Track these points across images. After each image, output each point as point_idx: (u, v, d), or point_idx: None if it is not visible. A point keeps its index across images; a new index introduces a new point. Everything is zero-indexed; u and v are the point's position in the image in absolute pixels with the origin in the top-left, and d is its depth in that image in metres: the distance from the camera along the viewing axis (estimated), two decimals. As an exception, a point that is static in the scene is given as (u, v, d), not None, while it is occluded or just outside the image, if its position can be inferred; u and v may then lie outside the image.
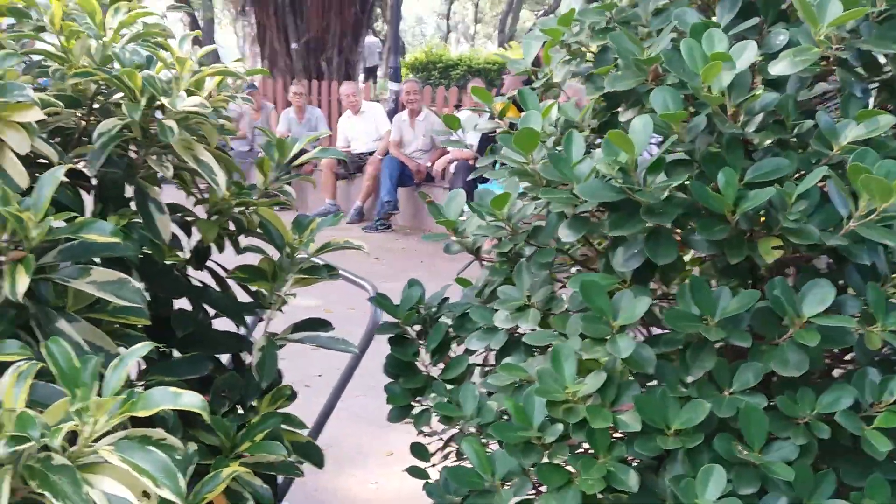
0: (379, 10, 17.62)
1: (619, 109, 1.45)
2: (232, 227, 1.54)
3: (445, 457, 1.66)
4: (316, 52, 11.15)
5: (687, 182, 1.15)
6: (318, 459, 1.46)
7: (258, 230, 1.54)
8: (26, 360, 0.95)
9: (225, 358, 1.54)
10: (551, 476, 1.16)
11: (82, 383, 0.87)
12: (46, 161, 1.15)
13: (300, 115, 8.79)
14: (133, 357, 0.88)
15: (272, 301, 1.50)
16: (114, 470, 0.84)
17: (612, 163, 1.16)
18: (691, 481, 1.11)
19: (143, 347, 0.90)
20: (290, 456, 1.29)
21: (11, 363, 0.95)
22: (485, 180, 6.68)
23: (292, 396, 1.46)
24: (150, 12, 1.29)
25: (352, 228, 7.69)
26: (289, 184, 1.60)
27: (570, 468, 1.21)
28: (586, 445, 1.21)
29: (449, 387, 1.55)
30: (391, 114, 8.65)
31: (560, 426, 1.18)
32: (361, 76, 14.78)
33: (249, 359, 1.46)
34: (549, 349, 1.38)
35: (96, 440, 0.86)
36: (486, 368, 1.64)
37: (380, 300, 1.64)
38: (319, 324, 1.56)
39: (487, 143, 1.57)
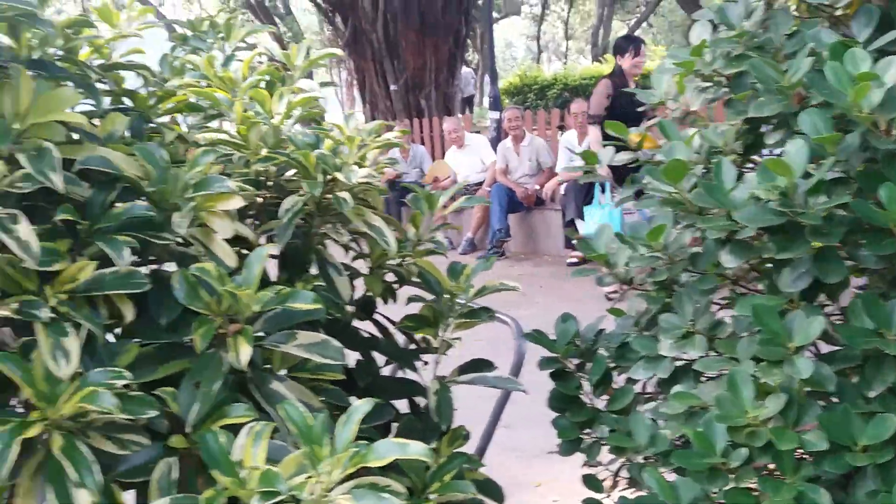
0: (469, 41, 17.87)
1: (763, 131, 1.47)
2: (392, 278, 1.64)
3: (614, 486, 1.69)
4: (414, 90, 11.45)
5: (848, 201, 1.16)
6: (498, 496, 1.52)
7: (416, 279, 1.64)
8: (254, 420, 1.07)
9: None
10: (740, 500, 1.18)
11: (317, 438, 0.97)
12: (243, 238, 1.27)
13: (405, 154, 9.01)
14: (359, 413, 0.98)
15: (438, 346, 1.59)
16: (352, 516, 0.94)
17: (771, 188, 1.19)
18: (887, 496, 1.12)
19: (366, 404, 0.99)
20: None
21: (241, 424, 1.07)
22: (589, 201, 6.69)
23: (467, 436, 1.54)
24: (312, 97, 1.41)
25: (466, 259, 7.80)
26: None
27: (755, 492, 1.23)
28: (771, 467, 1.22)
29: (616, 417, 1.59)
30: (494, 142, 8.77)
31: (744, 450, 1.21)
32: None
33: (422, 402, 1.56)
34: (722, 375, 1.41)
35: (329, 490, 0.96)
36: (646, 396, 1.67)
37: (536, 336, 1.70)
38: (484, 364, 1.63)
39: (626, 171, 1.61)
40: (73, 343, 1.02)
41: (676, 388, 1.49)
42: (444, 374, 1.61)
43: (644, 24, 25.76)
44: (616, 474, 1.66)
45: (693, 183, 1.41)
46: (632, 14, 27.57)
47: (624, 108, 5.30)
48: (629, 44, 6.65)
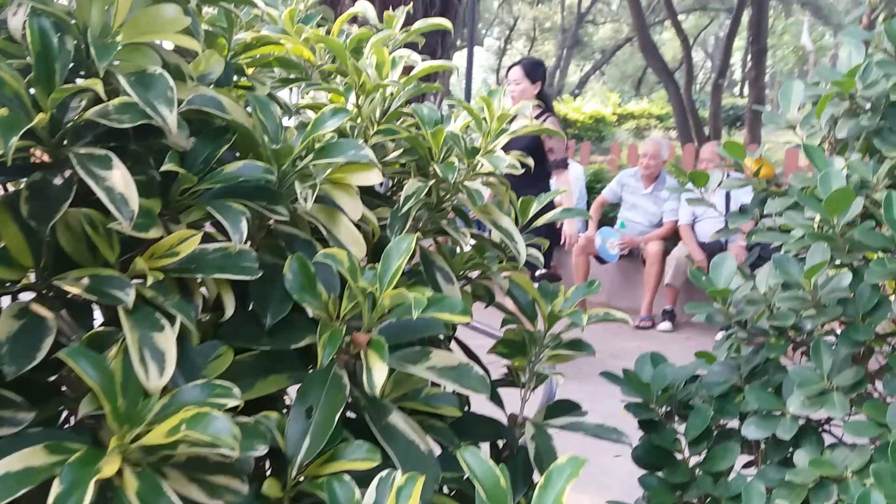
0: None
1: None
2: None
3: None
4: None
5: None
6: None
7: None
8: (379, 466, 0.81)
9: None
10: None
11: (502, 494, 0.72)
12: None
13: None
14: (563, 479, 0.73)
15: (528, 378, 1.35)
16: None
17: None
18: None
19: (570, 466, 0.74)
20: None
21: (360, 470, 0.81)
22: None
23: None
24: (441, 64, 1.17)
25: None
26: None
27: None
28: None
29: (715, 480, 1.38)
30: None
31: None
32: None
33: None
34: (867, 443, 1.22)
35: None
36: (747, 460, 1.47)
37: (628, 378, 1.48)
38: (571, 406, 1.40)
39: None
40: (168, 341, 0.75)
41: (803, 453, 1.29)
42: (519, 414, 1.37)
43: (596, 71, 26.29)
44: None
45: (849, 218, 1.23)
46: (587, 59, 28.07)
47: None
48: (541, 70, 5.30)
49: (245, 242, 0.86)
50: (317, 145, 0.92)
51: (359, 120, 1.10)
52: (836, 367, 1.26)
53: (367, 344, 0.86)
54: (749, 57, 18.70)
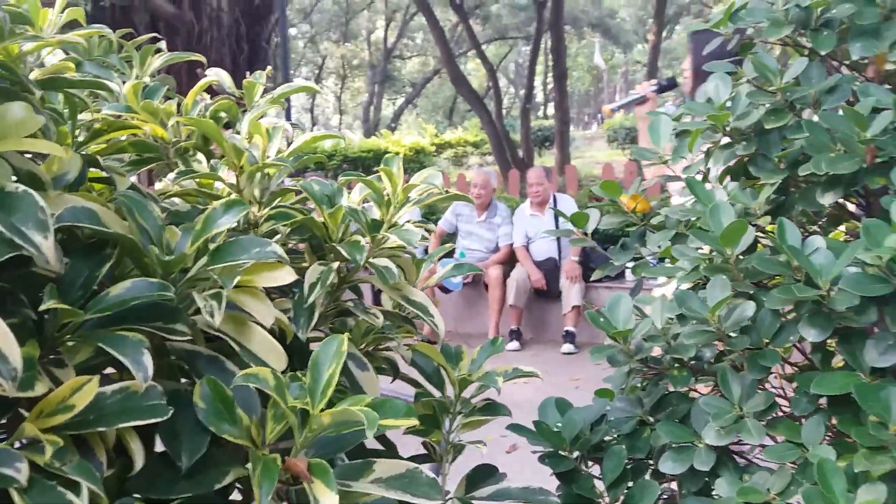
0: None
1: (793, 191, 1.37)
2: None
3: None
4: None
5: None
6: None
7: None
8: None
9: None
10: None
11: None
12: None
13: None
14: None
15: (445, 451, 1.27)
16: None
17: (886, 250, 1.05)
18: None
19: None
20: None
21: None
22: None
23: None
24: (333, 134, 1.08)
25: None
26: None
27: None
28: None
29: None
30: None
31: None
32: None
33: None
34: (788, 464, 1.24)
35: None
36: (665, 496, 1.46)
37: (538, 430, 1.43)
38: (490, 472, 1.33)
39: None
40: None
41: (724, 482, 1.30)
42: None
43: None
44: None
45: (743, 248, 1.25)
46: (399, 93, 28.58)
47: None
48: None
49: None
50: (211, 246, 0.80)
51: (243, 206, 0.98)
52: (745, 394, 1.28)
53: (308, 469, 0.75)
54: (550, 80, 19.77)
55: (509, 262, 6.50)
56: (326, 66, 26.93)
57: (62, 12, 1.05)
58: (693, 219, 1.40)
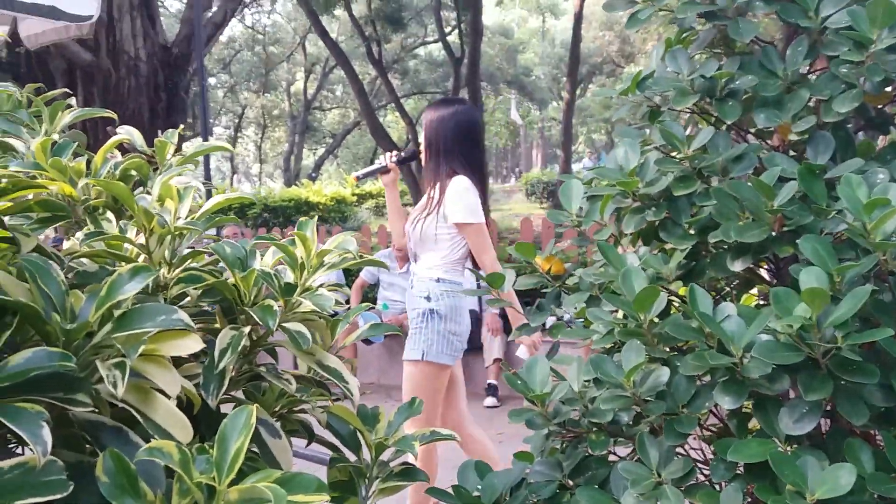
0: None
1: (704, 256, 1.41)
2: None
3: None
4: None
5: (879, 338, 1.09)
6: None
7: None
8: None
9: None
10: None
11: None
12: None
13: None
14: None
15: (361, 521, 1.23)
16: None
17: (797, 319, 1.09)
18: None
19: None
20: None
21: None
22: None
23: None
24: (245, 197, 1.06)
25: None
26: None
27: None
28: None
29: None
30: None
31: None
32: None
33: None
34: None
35: None
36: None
37: (458, 494, 1.41)
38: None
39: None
40: None
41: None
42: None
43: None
44: None
45: (655, 311, 1.28)
46: (320, 143, 28.57)
47: None
48: None
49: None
50: (116, 312, 0.77)
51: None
52: (663, 459, 1.29)
53: (214, 550, 0.71)
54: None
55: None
56: (246, 116, 26.78)
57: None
58: (606, 282, 1.43)
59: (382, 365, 6.70)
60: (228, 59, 23.73)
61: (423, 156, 3.17)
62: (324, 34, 14.26)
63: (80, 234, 1.04)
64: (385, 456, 1.29)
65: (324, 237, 8.25)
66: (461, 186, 3.01)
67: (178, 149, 1.31)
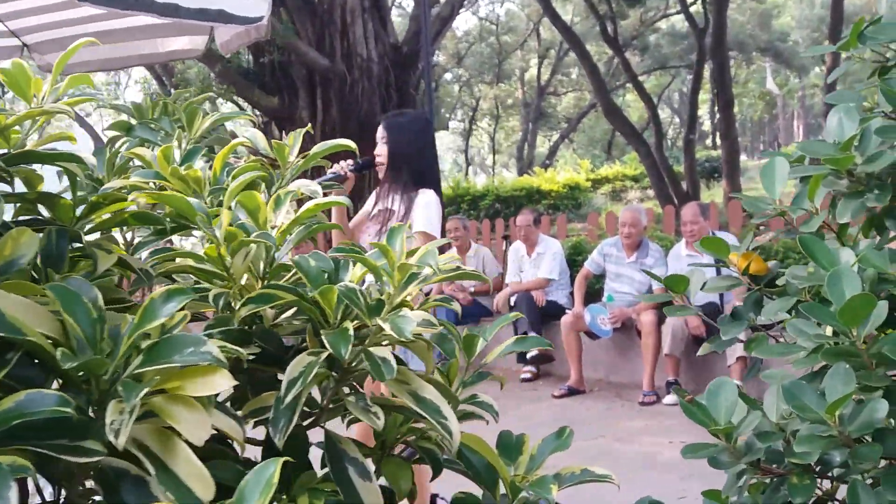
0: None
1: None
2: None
3: None
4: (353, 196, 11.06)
5: None
6: None
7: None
8: None
9: None
10: None
11: None
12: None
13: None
14: None
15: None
16: None
17: None
18: None
19: None
20: None
21: None
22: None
23: None
24: (321, 203, 0.94)
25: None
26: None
27: None
28: None
29: None
30: (437, 255, 8.33)
31: None
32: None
33: None
34: None
35: None
36: None
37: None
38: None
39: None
40: None
41: None
42: None
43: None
44: None
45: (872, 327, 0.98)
46: (554, 129, 28.41)
47: None
48: None
49: (59, 490, 0.61)
50: (143, 344, 0.67)
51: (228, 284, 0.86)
52: (879, 511, 0.99)
53: None
54: (716, 108, 18.93)
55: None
56: (480, 108, 27.25)
57: (58, 82, 0.97)
58: (816, 286, 1.13)
59: (611, 360, 6.39)
60: (463, 53, 24.27)
61: (379, 166, 3.19)
62: (554, 17, 14.03)
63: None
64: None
65: (548, 228, 8.06)
66: (430, 199, 3.11)
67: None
